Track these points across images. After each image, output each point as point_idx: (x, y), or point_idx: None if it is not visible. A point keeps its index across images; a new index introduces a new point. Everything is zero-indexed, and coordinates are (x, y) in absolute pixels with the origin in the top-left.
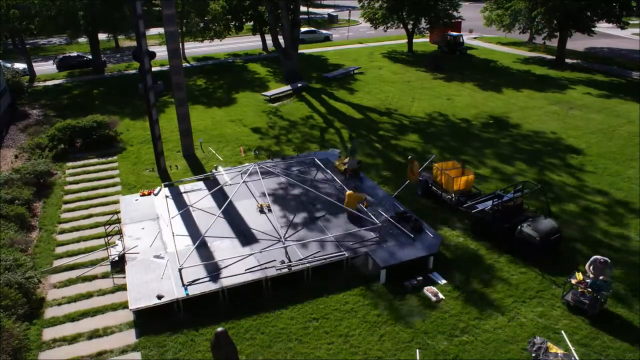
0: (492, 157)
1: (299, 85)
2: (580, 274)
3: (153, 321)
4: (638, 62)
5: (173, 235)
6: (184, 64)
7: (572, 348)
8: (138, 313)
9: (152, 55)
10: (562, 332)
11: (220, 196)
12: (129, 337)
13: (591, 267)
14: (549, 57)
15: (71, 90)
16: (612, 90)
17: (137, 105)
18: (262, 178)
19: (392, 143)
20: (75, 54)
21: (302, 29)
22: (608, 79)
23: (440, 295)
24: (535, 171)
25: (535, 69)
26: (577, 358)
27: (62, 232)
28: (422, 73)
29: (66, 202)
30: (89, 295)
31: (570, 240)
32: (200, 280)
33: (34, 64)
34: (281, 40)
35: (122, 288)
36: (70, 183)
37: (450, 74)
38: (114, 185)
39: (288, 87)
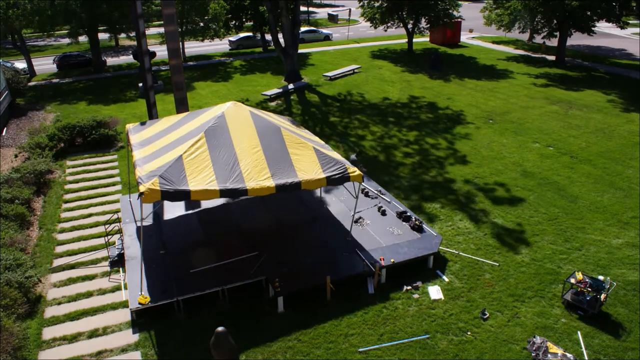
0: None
1: (298, 84)
2: (580, 273)
3: (153, 320)
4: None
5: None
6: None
7: (584, 350)
8: (138, 312)
9: (152, 54)
10: (579, 332)
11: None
12: (129, 336)
13: None
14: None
15: (70, 89)
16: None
17: (137, 104)
18: None
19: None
20: (75, 53)
21: (302, 29)
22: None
23: (440, 295)
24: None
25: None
26: (586, 358)
27: (62, 231)
28: (422, 72)
29: (66, 202)
30: (88, 295)
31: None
32: (199, 280)
33: (16, 63)
34: (281, 39)
35: (122, 287)
36: (70, 182)
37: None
38: (113, 184)
39: (287, 86)
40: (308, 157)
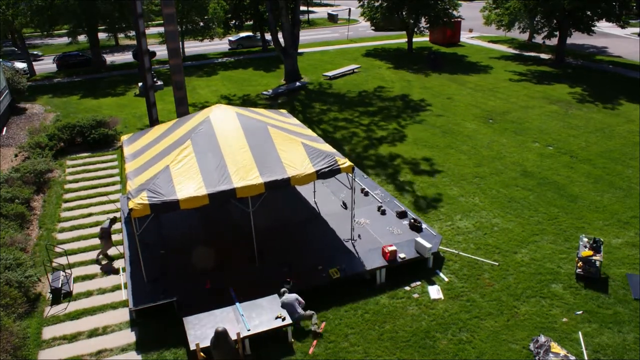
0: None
1: (298, 84)
2: (586, 250)
3: (152, 320)
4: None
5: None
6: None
7: (584, 350)
8: (137, 312)
9: (152, 54)
10: (579, 332)
11: None
12: (129, 335)
13: None
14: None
15: (70, 88)
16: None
17: (137, 103)
18: None
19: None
20: (75, 52)
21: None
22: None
23: (440, 295)
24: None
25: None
26: (586, 358)
27: (62, 230)
28: (422, 72)
29: (66, 201)
30: (88, 294)
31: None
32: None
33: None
34: (281, 39)
35: (122, 287)
36: (70, 182)
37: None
38: (113, 184)
39: (287, 86)
40: (297, 152)
